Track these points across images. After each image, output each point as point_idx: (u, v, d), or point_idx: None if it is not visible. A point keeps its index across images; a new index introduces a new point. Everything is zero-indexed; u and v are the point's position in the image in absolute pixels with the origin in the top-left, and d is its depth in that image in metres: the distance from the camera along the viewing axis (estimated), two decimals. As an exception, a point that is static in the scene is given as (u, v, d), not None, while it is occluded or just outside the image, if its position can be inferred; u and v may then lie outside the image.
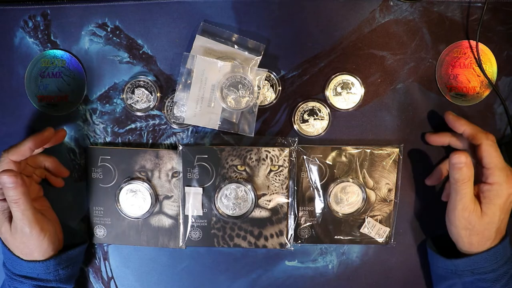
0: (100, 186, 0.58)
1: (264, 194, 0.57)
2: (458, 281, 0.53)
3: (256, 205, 0.57)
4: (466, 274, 0.51)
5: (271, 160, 0.57)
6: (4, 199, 0.50)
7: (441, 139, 0.56)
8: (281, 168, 0.57)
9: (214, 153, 0.57)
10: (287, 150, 0.57)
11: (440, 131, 0.57)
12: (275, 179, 0.57)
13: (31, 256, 0.52)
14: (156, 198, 0.58)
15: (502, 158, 0.50)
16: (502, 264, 0.50)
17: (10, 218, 0.51)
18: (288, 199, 0.57)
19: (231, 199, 0.57)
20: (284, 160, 0.56)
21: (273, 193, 0.57)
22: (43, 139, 0.52)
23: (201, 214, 0.58)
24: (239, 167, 0.57)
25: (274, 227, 0.58)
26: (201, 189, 0.57)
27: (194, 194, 0.57)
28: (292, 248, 0.58)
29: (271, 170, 0.57)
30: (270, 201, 0.57)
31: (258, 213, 0.57)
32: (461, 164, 0.49)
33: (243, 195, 0.56)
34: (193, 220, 0.58)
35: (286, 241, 0.58)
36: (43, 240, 0.52)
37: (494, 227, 0.50)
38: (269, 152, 0.57)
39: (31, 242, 0.51)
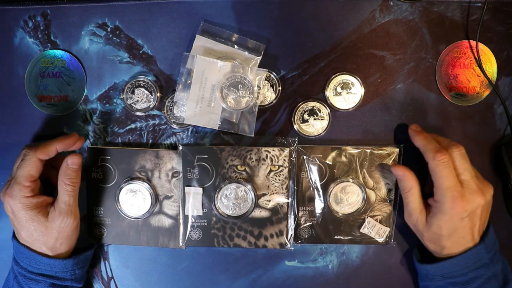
0: (100, 186, 0.58)
1: (264, 194, 0.57)
2: (431, 284, 0.54)
3: (256, 205, 0.57)
4: (437, 278, 0.53)
5: (271, 160, 0.57)
6: (36, 196, 0.51)
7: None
8: (281, 168, 0.57)
9: (214, 153, 0.57)
10: (287, 150, 0.56)
11: (437, 132, 0.57)
12: (275, 179, 0.57)
13: (56, 250, 0.53)
14: (156, 198, 0.58)
15: (453, 176, 0.50)
16: (473, 269, 0.50)
17: (43, 212, 0.52)
18: (288, 199, 0.57)
19: (231, 199, 0.57)
20: (284, 160, 0.56)
21: (273, 193, 0.57)
22: (69, 143, 0.54)
23: (201, 214, 0.58)
24: (239, 167, 0.57)
25: (274, 227, 0.58)
26: (201, 189, 0.57)
27: (194, 194, 0.57)
28: (292, 248, 0.58)
29: (271, 170, 0.57)
30: (270, 201, 0.57)
31: (258, 213, 0.57)
32: (399, 176, 0.54)
33: (243, 195, 0.56)
34: (193, 220, 0.58)
35: (286, 241, 0.58)
36: (74, 231, 0.54)
37: (443, 239, 0.51)
38: (269, 152, 0.57)
39: (66, 231, 0.53)
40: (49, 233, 0.52)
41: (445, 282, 0.52)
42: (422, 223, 0.53)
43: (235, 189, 0.56)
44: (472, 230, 0.51)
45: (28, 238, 0.53)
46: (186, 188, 0.57)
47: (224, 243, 0.58)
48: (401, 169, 0.54)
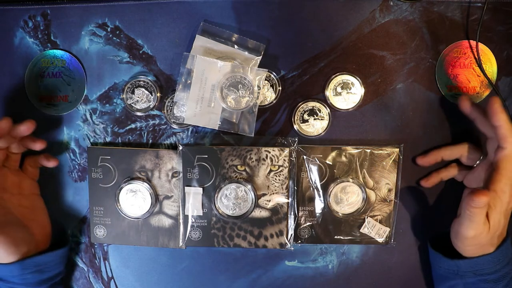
0: (100, 186, 0.58)
1: (264, 194, 0.57)
2: (459, 282, 0.53)
3: (256, 205, 0.57)
4: (468, 275, 0.51)
5: (271, 160, 0.57)
6: None
7: (432, 159, 0.56)
8: (281, 168, 0.57)
9: (214, 153, 0.57)
10: (287, 150, 0.56)
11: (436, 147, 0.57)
12: (275, 179, 0.57)
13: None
14: (156, 198, 0.58)
15: None
16: (504, 264, 0.50)
17: None
18: (288, 199, 0.57)
19: (231, 199, 0.57)
20: (284, 160, 0.56)
21: (273, 193, 0.57)
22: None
23: (201, 214, 0.57)
24: (239, 167, 0.57)
25: (274, 227, 0.58)
26: (201, 189, 0.57)
27: (194, 194, 0.57)
28: (292, 248, 0.58)
29: (271, 170, 0.57)
30: (270, 201, 0.57)
31: (258, 213, 0.57)
32: (482, 203, 0.46)
33: (243, 195, 0.56)
34: (193, 220, 0.58)
35: (286, 241, 0.58)
36: (8, 249, 0.50)
37: (497, 235, 0.50)
38: (269, 152, 0.57)
39: None
40: None
41: (477, 279, 0.50)
42: (485, 230, 0.48)
43: (235, 189, 0.56)
44: (508, 219, 0.50)
45: None
46: (186, 188, 0.57)
47: (224, 243, 0.58)
48: (485, 197, 0.46)
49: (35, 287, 0.53)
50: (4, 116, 0.51)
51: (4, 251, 0.50)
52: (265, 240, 0.58)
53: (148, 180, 0.58)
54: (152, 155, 0.58)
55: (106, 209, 0.59)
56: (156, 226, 0.59)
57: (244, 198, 0.56)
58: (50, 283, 0.55)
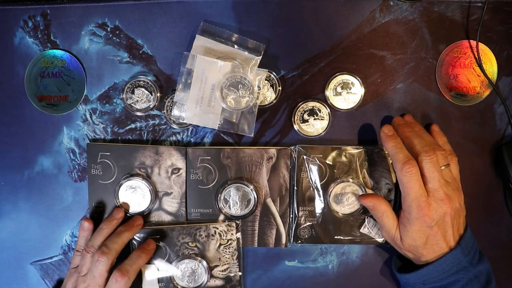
0: (100, 182, 0.58)
1: (216, 266, 0.58)
2: None
3: (211, 275, 0.58)
4: (418, 286, 0.53)
5: (220, 235, 0.57)
6: None
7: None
8: (230, 241, 0.58)
9: (164, 233, 0.57)
10: (233, 225, 0.57)
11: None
12: (225, 251, 0.58)
13: None
14: (156, 195, 0.58)
15: (420, 187, 0.49)
16: (452, 273, 0.50)
17: None
18: (239, 271, 0.58)
19: (186, 273, 0.57)
20: (232, 234, 0.58)
21: (225, 264, 0.58)
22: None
23: None
24: (190, 243, 0.57)
25: None
26: (156, 279, 0.58)
27: (150, 281, 0.58)
28: None
29: (220, 244, 0.58)
30: (223, 271, 0.58)
31: (213, 283, 0.58)
32: (369, 206, 0.54)
33: (197, 268, 0.57)
34: None
35: None
36: None
37: (419, 248, 0.51)
38: (217, 228, 0.57)
39: None
40: None
41: (426, 287, 0.52)
42: (398, 238, 0.53)
43: (188, 264, 0.57)
44: (445, 236, 0.51)
45: None
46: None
47: None
48: (369, 199, 0.54)
49: None
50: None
51: None
52: None
53: (148, 177, 0.58)
54: (152, 151, 0.58)
55: (106, 206, 0.58)
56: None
57: (197, 271, 0.57)
58: None
